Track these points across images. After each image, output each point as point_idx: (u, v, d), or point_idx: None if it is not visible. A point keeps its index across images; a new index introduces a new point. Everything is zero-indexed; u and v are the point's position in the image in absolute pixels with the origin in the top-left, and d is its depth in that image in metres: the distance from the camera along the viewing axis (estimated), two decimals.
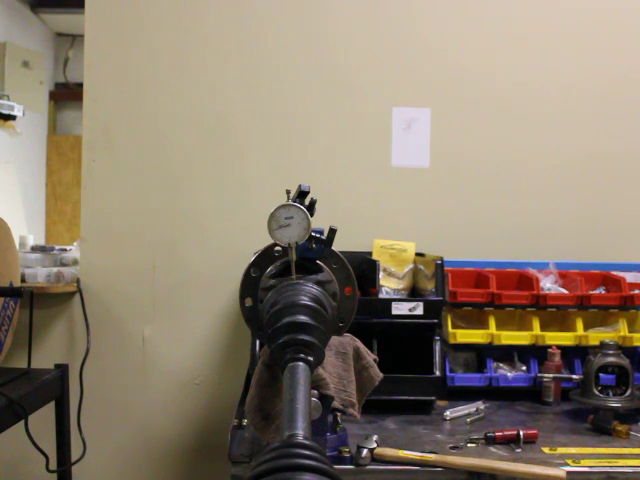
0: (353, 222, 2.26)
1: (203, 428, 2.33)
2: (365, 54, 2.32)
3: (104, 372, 2.30)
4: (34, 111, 5.52)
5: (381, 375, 1.53)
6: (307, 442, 0.76)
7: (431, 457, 1.47)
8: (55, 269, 2.26)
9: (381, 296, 2.01)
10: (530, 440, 1.60)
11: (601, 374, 1.79)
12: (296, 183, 1.34)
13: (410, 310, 1.90)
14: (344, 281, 1.41)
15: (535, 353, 2.03)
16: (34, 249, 2.37)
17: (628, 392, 1.78)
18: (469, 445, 1.59)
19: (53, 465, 1.83)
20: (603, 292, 2.14)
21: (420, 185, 2.33)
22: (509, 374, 2.01)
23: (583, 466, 1.48)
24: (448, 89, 2.34)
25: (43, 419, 1.85)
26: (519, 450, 1.56)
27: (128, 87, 2.31)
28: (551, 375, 1.93)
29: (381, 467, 1.46)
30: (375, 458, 1.47)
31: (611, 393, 1.79)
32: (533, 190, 2.35)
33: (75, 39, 6.03)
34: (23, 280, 2.21)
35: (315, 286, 1.27)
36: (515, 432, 1.59)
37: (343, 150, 2.32)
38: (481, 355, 2.08)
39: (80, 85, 2.45)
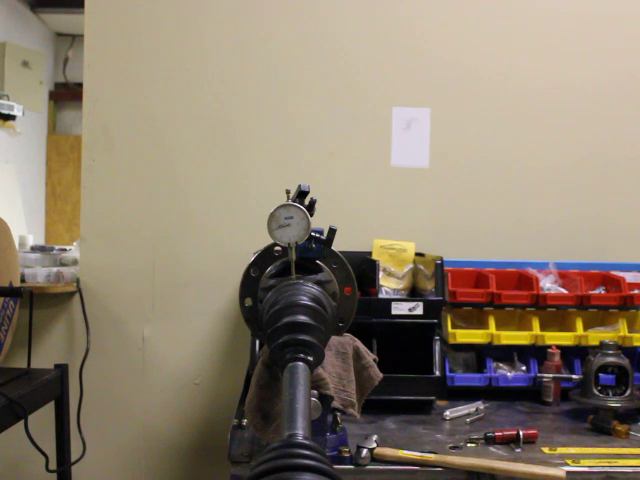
0: (353, 222, 2.26)
1: (203, 428, 2.33)
2: (365, 54, 2.32)
3: (104, 372, 2.30)
4: (34, 111, 5.52)
5: (381, 375, 1.53)
6: (307, 442, 0.76)
7: (431, 457, 1.47)
8: (55, 269, 2.26)
9: (381, 296, 2.01)
10: (530, 440, 1.60)
11: (601, 374, 1.79)
12: (296, 183, 1.35)
13: (410, 310, 1.90)
14: (344, 281, 1.41)
15: (535, 353, 2.03)
16: (34, 249, 2.37)
17: (628, 392, 1.78)
18: (469, 445, 1.59)
19: (53, 465, 1.83)
20: (603, 292, 2.14)
21: (420, 185, 2.33)
22: (509, 374, 2.01)
23: (583, 466, 1.48)
24: (448, 89, 2.34)
25: (43, 419, 1.85)
26: (519, 450, 1.56)
27: (128, 87, 2.31)
28: (551, 375, 1.93)
29: (381, 467, 1.47)
30: (375, 458, 1.47)
31: (611, 393, 1.79)
32: (533, 190, 2.35)
33: (75, 39, 6.03)
34: (23, 280, 2.21)
35: (315, 286, 1.27)
36: (515, 432, 1.59)
37: (343, 150, 2.32)
38: (481, 355, 2.08)
39: (80, 85, 2.45)
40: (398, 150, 2.33)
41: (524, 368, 2.04)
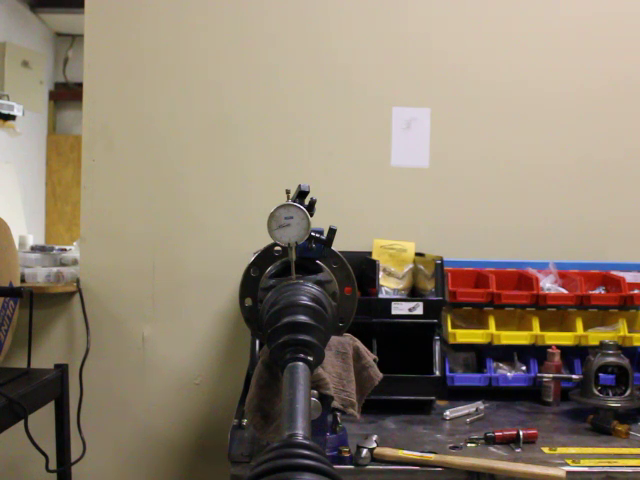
0: (353, 222, 2.26)
1: (203, 428, 2.33)
2: (365, 54, 2.32)
3: (104, 372, 2.30)
4: (34, 111, 5.52)
5: (381, 375, 1.53)
6: (307, 442, 0.76)
7: (431, 457, 1.47)
8: (55, 269, 2.26)
9: (381, 296, 2.01)
10: (530, 440, 1.60)
11: (601, 374, 1.79)
12: (296, 183, 1.35)
13: (410, 310, 1.90)
14: (344, 281, 1.41)
15: (535, 353, 2.03)
16: (34, 249, 2.37)
17: (628, 392, 1.78)
18: (469, 445, 1.59)
19: (53, 465, 1.83)
20: (603, 292, 2.14)
21: (420, 185, 2.33)
22: (509, 374, 2.01)
23: (583, 466, 1.48)
24: (448, 89, 2.34)
25: (43, 419, 1.85)
26: (519, 450, 1.56)
27: (128, 87, 2.31)
28: (551, 375, 1.93)
29: (381, 467, 1.47)
30: (375, 458, 1.47)
31: (611, 393, 1.79)
32: (533, 190, 2.35)
33: (75, 39, 6.03)
34: (23, 280, 2.21)
35: (315, 286, 1.27)
36: (515, 432, 1.59)
37: (343, 150, 2.32)
38: (481, 355, 2.08)
39: (80, 85, 2.45)
40: (398, 150, 2.33)
41: (524, 368, 2.04)
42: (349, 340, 1.52)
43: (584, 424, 1.77)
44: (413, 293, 2.16)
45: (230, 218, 2.30)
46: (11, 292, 1.82)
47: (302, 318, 1.11)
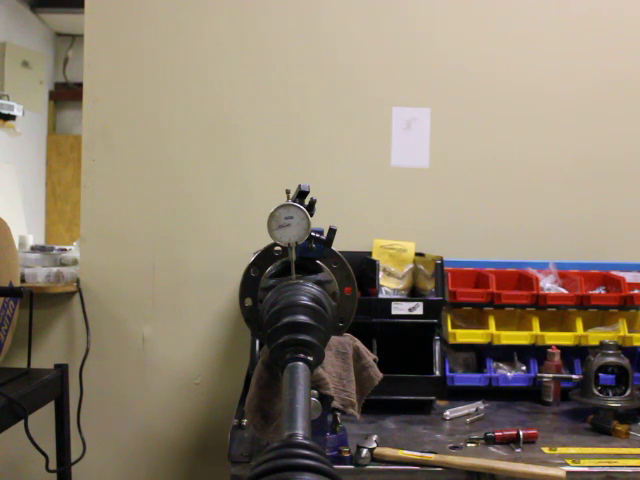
0: (353, 222, 2.26)
1: (203, 428, 2.33)
2: (365, 54, 2.32)
3: (104, 372, 2.30)
4: (34, 111, 5.51)
5: (381, 375, 1.53)
6: (307, 442, 0.76)
7: (431, 457, 1.47)
8: (55, 269, 2.26)
9: (381, 296, 2.01)
10: (530, 440, 1.60)
11: (601, 374, 1.79)
12: (296, 183, 1.35)
13: (410, 310, 1.90)
14: (344, 281, 1.41)
15: (535, 353, 2.03)
16: (34, 249, 2.37)
17: (628, 392, 1.78)
18: (469, 445, 1.59)
19: (53, 465, 1.83)
20: (603, 292, 2.14)
21: (420, 185, 2.33)
22: (509, 374, 2.01)
23: (583, 466, 1.48)
24: (448, 89, 2.34)
25: (43, 419, 1.85)
26: (519, 450, 1.56)
27: (128, 87, 2.31)
28: (551, 375, 1.93)
29: (381, 467, 1.47)
30: (375, 458, 1.48)
31: (611, 393, 1.79)
32: (533, 190, 2.35)
33: (75, 39, 6.03)
34: (23, 280, 2.21)
35: (315, 286, 1.27)
36: (515, 432, 1.59)
37: (343, 150, 2.32)
38: (481, 355, 2.08)
39: (80, 85, 2.45)
40: (398, 150, 2.33)
41: (524, 368, 2.04)
42: (349, 340, 1.52)
43: (584, 424, 1.77)
44: (413, 293, 2.16)
45: (230, 218, 2.30)
46: (11, 292, 1.82)
47: (302, 318, 1.11)
